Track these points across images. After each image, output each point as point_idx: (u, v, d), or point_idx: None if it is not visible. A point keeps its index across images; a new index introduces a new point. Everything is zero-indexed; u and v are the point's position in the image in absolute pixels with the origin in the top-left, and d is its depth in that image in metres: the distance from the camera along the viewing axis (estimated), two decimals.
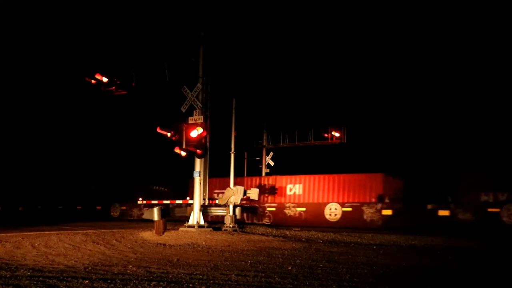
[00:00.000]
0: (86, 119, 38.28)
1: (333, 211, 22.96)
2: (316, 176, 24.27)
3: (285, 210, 24.17)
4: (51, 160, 38.60)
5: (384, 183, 22.35)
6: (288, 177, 25.17)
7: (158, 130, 15.06)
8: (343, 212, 22.59)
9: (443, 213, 20.33)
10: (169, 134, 15.07)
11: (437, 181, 21.42)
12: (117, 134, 38.43)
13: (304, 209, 23.75)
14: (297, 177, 24.86)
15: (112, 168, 37.27)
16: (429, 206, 20.67)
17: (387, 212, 21.59)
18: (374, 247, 11.64)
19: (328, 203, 23.20)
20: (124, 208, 28.19)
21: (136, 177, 31.69)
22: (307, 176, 24.60)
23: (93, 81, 15.56)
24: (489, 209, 19.47)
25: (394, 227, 19.80)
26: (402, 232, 15.99)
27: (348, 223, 21.69)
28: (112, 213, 28.68)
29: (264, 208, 24.55)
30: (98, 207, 29.08)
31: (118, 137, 38.54)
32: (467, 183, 20.58)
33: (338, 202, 22.99)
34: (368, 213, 22.11)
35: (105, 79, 15.73)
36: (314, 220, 22.76)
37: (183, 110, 15.10)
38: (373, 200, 22.31)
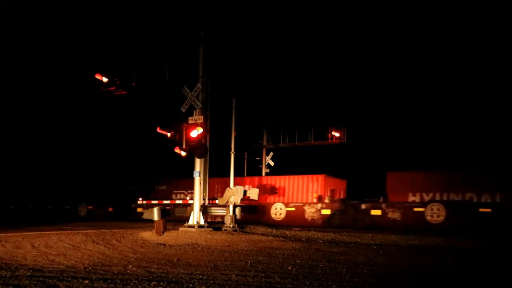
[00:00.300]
0: (81, 119, 38.23)
1: (278, 210, 23.96)
2: (265, 178, 26.17)
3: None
4: (33, 159, 38.51)
5: (325, 184, 23.73)
6: (241, 178, 26.30)
7: (158, 130, 15.08)
8: (287, 211, 23.66)
9: (375, 212, 21.50)
10: (169, 134, 15.08)
11: (371, 181, 23.19)
12: (116, 134, 38.41)
13: None
14: (249, 178, 26.46)
15: (108, 168, 37.29)
16: (363, 206, 21.80)
17: (326, 211, 22.67)
18: (374, 247, 11.65)
19: (274, 203, 24.28)
20: (90, 208, 29.22)
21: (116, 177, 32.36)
22: (257, 177, 26.34)
23: (105, 80, 15.53)
24: (415, 209, 20.85)
25: (333, 225, 21.30)
26: (402, 232, 16.04)
27: (291, 221, 22.66)
28: (79, 213, 29.48)
29: None
30: (67, 207, 29.88)
31: (116, 137, 38.52)
32: (397, 184, 22.33)
33: (283, 202, 24.10)
34: (309, 212, 23.13)
35: (105, 79, 15.75)
36: (261, 218, 23.53)
37: (183, 110, 15.10)
38: (314, 200, 23.46)
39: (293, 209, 23.55)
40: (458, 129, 34.81)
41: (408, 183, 22.04)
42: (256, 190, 16.38)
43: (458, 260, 9.61)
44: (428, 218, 20.36)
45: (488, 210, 19.43)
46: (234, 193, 15.52)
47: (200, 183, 15.20)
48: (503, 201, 19.62)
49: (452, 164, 28.10)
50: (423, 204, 20.93)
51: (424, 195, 21.53)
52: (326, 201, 23.15)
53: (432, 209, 20.45)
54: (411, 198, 21.72)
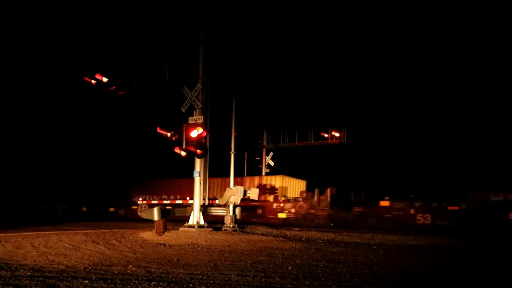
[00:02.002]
0: (77, 119, 38.24)
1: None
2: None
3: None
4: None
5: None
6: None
7: (158, 130, 15.07)
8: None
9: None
10: (169, 134, 15.06)
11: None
12: (115, 135, 38.38)
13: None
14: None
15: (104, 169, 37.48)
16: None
17: None
18: (374, 247, 11.65)
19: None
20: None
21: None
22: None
23: (93, 81, 15.55)
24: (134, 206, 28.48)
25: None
26: (401, 232, 16.05)
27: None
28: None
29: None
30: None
31: (115, 137, 38.49)
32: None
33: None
34: None
35: (105, 79, 15.73)
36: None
37: (183, 110, 15.09)
38: None
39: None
40: (457, 129, 34.86)
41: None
42: (256, 190, 16.37)
43: (458, 260, 9.61)
44: (139, 213, 26.28)
45: (170, 207, 25.13)
46: (234, 193, 15.52)
47: (200, 183, 15.20)
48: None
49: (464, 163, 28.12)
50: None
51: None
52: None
53: (141, 206, 27.34)
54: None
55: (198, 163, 15.17)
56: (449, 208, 19.97)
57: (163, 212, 14.15)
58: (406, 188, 24.49)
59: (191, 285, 6.08)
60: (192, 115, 15.05)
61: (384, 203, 21.48)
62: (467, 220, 19.14)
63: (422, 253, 10.74)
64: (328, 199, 22.65)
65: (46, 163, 38.35)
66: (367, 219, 21.27)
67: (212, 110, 15.69)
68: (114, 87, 15.92)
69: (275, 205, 23.85)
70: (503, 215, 18.73)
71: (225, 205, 15.84)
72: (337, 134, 27.20)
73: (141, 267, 7.70)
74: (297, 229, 17.52)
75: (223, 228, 15.33)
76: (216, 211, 16.67)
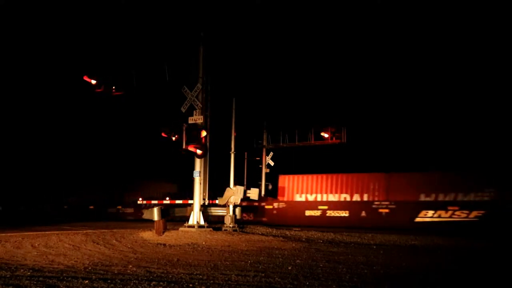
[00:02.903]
0: (75, 120, 38.27)
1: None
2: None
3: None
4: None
5: None
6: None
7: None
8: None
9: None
10: (169, 134, 15.05)
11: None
12: (115, 135, 38.33)
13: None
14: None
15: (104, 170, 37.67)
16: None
17: None
18: (374, 247, 11.65)
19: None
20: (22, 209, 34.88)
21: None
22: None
23: (93, 82, 15.55)
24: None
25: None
26: (401, 232, 16.06)
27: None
28: None
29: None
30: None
31: (114, 137, 38.44)
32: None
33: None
34: None
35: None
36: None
37: (183, 110, 15.09)
38: None
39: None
40: (458, 130, 34.88)
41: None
42: (256, 190, 16.37)
43: (458, 260, 9.61)
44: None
45: (92, 207, 31.24)
46: (234, 193, 15.51)
47: (200, 183, 15.19)
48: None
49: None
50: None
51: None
52: None
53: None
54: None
55: (198, 163, 15.16)
56: (266, 207, 24.66)
57: (163, 212, 14.16)
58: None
59: (191, 285, 6.08)
60: (192, 115, 15.04)
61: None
62: (277, 216, 23.96)
63: (422, 253, 10.75)
64: None
65: (45, 163, 38.37)
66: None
67: (212, 110, 15.68)
68: (113, 88, 15.91)
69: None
70: (302, 211, 23.75)
71: (225, 205, 15.84)
72: (337, 134, 27.15)
73: (141, 267, 7.71)
74: (297, 229, 17.53)
75: (223, 228, 15.33)
76: (216, 211, 16.66)
